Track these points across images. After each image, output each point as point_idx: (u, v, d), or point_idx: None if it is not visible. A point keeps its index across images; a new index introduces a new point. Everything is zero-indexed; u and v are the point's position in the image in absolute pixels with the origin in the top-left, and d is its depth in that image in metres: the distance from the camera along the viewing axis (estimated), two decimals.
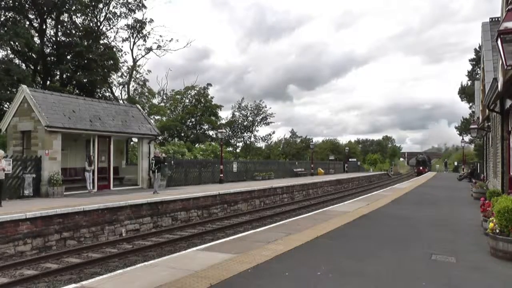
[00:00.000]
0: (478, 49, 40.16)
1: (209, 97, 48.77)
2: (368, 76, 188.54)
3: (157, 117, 44.54)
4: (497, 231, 6.20)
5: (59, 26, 30.62)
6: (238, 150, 52.20)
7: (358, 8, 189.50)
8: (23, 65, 29.71)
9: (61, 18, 30.40)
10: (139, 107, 23.34)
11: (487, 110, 14.51)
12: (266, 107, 54.48)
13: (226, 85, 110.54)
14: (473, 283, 5.00)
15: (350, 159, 60.77)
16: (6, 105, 25.94)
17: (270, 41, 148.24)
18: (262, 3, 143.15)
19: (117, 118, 19.31)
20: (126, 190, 18.40)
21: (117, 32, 36.78)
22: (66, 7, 28.94)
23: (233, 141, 53.99)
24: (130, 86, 40.90)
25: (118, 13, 34.37)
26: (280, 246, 6.89)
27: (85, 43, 30.07)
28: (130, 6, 34.33)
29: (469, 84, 46.02)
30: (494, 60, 12.55)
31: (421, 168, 59.68)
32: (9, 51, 28.74)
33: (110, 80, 36.34)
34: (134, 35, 37.69)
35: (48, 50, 30.63)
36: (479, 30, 16.19)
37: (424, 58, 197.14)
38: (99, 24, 33.68)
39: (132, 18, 35.71)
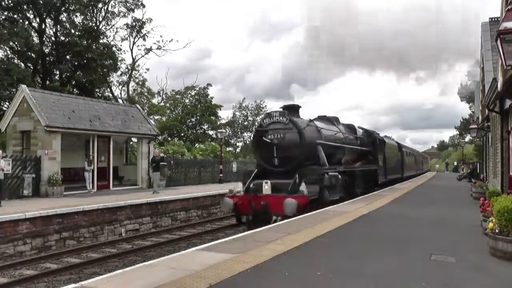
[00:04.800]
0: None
1: (209, 97, 48.78)
2: (369, 76, 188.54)
3: (156, 117, 44.51)
4: (497, 231, 6.19)
5: (58, 26, 30.61)
6: (238, 150, 52.18)
7: (360, 7, 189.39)
8: (23, 65, 29.67)
9: (60, 18, 30.39)
10: (139, 107, 23.34)
11: (486, 110, 14.51)
12: (266, 107, 54.56)
13: (227, 85, 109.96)
14: (473, 283, 4.99)
15: None
16: (5, 105, 25.93)
17: (272, 40, 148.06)
18: (265, 2, 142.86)
19: (116, 118, 19.31)
20: (126, 190, 18.40)
21: (116, 32, 36.81)
22: (65, 7, 28.95)
23: (233, 141, 54.02)
24: (130, 86, 40.93)
25: (117, 12, 34.42)
26: (280, 246, 6.87)
27: (84, 42, 30.06)
28: (128, 5, 34.36)
29: (469, 84, 46.00)
30: (493, 60, 12.54)
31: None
32: (8, 51, 28.73)
33: (110, 80, 36.37)
34: (134, 34, 37.68)
35: (47, 50, 30.65)
36: (479, 30, 16.15)
37: None
38: (98, 23, 33.68)
39: (132, 17, 35.78)
